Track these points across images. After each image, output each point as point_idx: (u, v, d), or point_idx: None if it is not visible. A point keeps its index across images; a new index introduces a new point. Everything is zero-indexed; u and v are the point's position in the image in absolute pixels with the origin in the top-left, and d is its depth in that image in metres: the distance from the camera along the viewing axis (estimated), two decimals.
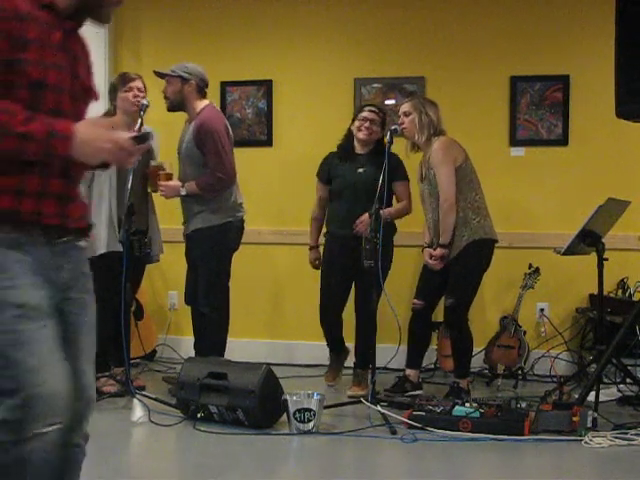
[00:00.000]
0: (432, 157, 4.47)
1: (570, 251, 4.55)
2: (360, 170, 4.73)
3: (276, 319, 5.74)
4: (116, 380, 4.44)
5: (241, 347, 5.23)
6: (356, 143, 4.78)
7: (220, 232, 4.53)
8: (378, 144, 4.76)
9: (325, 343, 4.98)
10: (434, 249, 4.51)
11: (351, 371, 4.91)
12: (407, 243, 5.06)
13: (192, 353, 4.70)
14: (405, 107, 4.59)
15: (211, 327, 4.61)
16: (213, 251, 4.55)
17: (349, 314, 4.85)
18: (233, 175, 4.52)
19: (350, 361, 4.97)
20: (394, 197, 4.81)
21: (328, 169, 4.84)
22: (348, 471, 3.63)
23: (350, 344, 4.91)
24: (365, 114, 4.71)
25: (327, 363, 5.05)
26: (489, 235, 4.50)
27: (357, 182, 4.71)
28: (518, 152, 5.45)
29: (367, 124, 4.69)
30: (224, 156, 4.44)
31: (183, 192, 4.50)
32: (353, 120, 4.78)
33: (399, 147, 4.62)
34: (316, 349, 4.97)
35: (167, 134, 4.82)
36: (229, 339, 4.73)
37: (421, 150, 4.61)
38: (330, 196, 4.86)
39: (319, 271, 4.91)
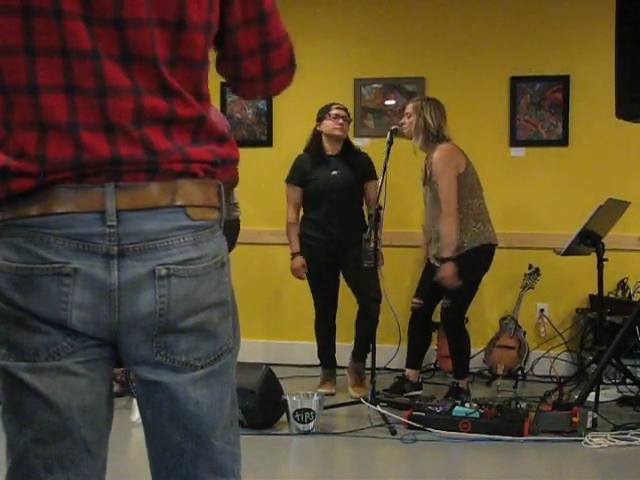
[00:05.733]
0: (434, 167, 4.46)
1: (570, 251, 4.55)
2: (334, 172, 4.74)
3: (275, 319, 5.74)
4: (116, 380, 4.45)
5: (240, 347, 5.23)
6: (326, 145, 4.77)
7: None
8: (346, 144, 4.80)
9: (318, 357, 4.94)
10: (440, 264, 4.42)
11: (345, 371, 4.90)
12: (407, 243, 5.06)
13: None
14: (408, 108, 4.59)
15: None
16: None
17: (346, 316, 4.85)
18: (236, 175, 4.52)
19: (345, 362, 4.95)
20: (364, 197, 4.82)
21: (301, 173, 4.81)
22: (348, 471, 3.63)
23: (344, 344, 4.91)
24: (336, 111, 4.71)
25: None
26: (489, 240, 4.50)
27: (332, 185, 4.71)
28: (518, 152, 5.44)
29: (341, 120, 4.71)
30: None
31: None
32: (320, 120, 4.75)
33: (403, 144, 4.61)
34: (315, 349, 4.96)
35: None
36: None
37: (424, 151, 4.60)
38: (304, 200, 4.84)
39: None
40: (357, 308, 4.78)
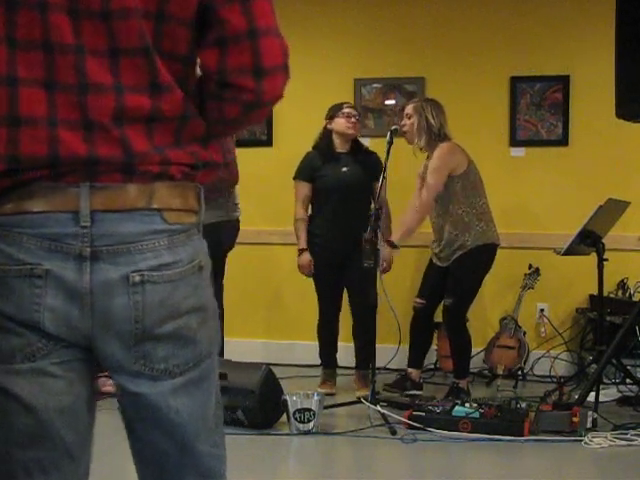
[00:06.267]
0: (430, 162, 4.48)
1: (570, 251, 4.55)
2: (344, 169, 4.73)
3: (275, 319, 5.73)
4: None
5: (240, 347, 5.23)
6: (336, 142, 4.77)
7: (214, 230, 4.51)
8: (355, 143, 4.80)
9: (319, 357, 4.93)
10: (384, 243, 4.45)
11: (346, 371, 4.90)
12: (407, 243, 5.04)
13: None
14: (408, 109, 4.60)
15: None
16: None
17: (349, 316, 4.85)
18: (236, 175, 4.51)
19: (346, 362, 4.95)
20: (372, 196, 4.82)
21: (310, 169, 4.79)
22: (348, 471, 3.63)
23: (345, 344, 4.90)
24: (349, 110, 4.73)
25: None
26: (492, 240, 4.50)
27: (342, 181, 4.70)
28: (518, 152, 5.44)
29: (353, 119, 4.72)
30: (227, 156, 4.44)
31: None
32: (331, 118, 4.75)
33: (402, 144, 4.61)
34: (315, 349, 4.96)
35: None
36: (228, 339, 4.72)
37: (426, 151, 4.61)
38: (313, 197, 4.82)
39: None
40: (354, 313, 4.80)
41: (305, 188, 4.81)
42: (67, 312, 1.28)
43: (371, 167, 4.74)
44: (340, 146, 4.77)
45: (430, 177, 4.44)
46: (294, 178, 4.85)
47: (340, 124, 4.72)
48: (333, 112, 4.76)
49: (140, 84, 1.28)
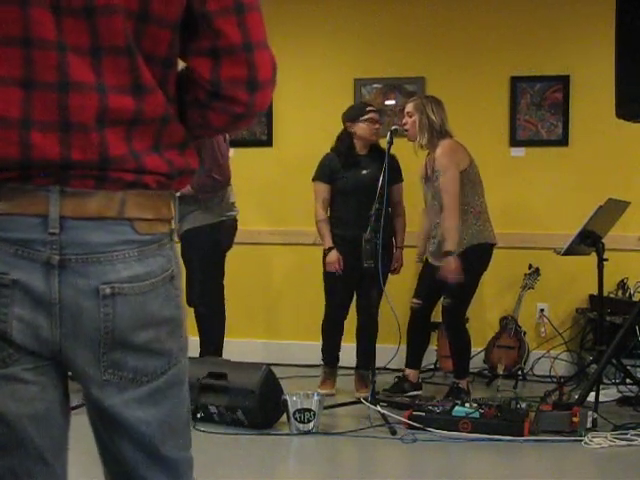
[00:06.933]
0: (437, 163, 4.47)
1: (570, 251, 4.55)
2: (364, 172, 4.71)
3: (275, 319, 5.74)
4: None
5: (240, 347, 5.23)
6: (357, 145, 4.74)
7: (212, 231, 4.54)
8: (374, 145, 4.78)
9: (322, 353, 4.90)
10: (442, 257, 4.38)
11: (346, 371, 4.89)
12: (407, 243, 5.05)
13: (193, 353, 4.68)
14: (408, 108, 4.59)
15: (207, 326, 4.63)
16: (206, 250, 4.54)
17: (352, 315, 4.85)
18: (228, 176, 4.52)
19: (346, 362, 4.95)
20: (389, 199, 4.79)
21: (330, 171, 4.76)
22: (348, 471, 3.63)
23: (346, 344, 4.90)
24: (372, 115, 4.70)
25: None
26: (488, 239, 4.50)
27: (362, 184, 4.67)
28: (518, 152, 5.45)
29: (377, 125, 4.71)
30: (220, 157, 4.45)
31: (177, 193, 4.48)
32: (352, 121, 4.71)
33: (402, 144, 4.61)
34: (315, 349, 4.96)
35: None
36: (228, 339, 4.73)
37: (427, 149, 4.60)
38: (331, 198, 4.79)
39: (319, 272, 4.83)
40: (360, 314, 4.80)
41: (325, 189, 4.78)
42: (35, 322, 1.25)
43: (390, 169, 4.68)
44: (360, 149, 4.75)
45: (444, 177, 4.40)
46: (313, 179, 4.82)
47: (364, 129, 4.69)
48: (354, 115, 4.72)
49: (123, 84, 1.24)
